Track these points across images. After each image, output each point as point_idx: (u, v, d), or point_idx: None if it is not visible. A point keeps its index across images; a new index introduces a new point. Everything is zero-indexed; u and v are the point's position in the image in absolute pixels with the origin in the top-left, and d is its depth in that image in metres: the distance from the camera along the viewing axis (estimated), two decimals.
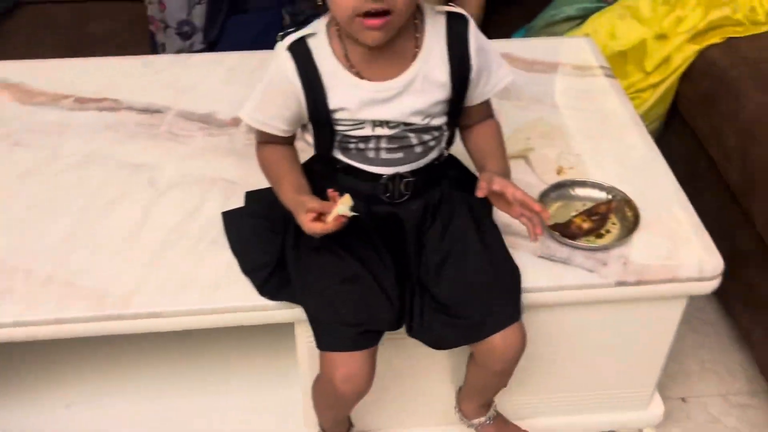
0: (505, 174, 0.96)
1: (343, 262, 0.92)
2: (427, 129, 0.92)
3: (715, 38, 1.58)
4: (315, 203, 0.86)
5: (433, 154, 0.95)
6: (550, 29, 1.82)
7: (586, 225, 1.05)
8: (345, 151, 0.92)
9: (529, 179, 1.17)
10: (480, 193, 0.88)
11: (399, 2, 0.79)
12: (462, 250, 0.96)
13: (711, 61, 1.57)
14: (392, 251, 0.96)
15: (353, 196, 0.87)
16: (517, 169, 1.19)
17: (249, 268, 1.00)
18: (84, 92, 1.40)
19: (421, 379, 1.16)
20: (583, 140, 1.26)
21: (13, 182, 1.19)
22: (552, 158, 1.20)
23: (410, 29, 0.88)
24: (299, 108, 0.89)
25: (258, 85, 0.91)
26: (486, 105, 0.99)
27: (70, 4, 2.15)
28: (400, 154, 0.92)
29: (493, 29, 2.17)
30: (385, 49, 0.85)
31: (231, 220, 1.06)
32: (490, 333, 0.93)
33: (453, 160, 1.03)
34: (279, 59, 0.87)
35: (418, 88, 0.88)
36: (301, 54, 0.86)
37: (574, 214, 1.08)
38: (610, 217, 1.08)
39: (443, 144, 0.96)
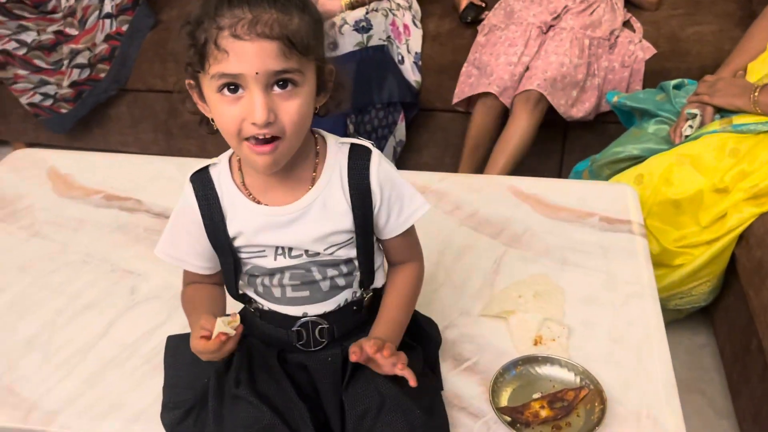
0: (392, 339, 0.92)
1: (258, 412, 0.88)
2: (333, 263, 0.89)
3: None
4: (207, 322, 0.85)
5: (344, 295, 0.92)
6: (613, 166, 1.74)
7: (544, 413, 0.95)
8: (253, 288, 0.92)
9: (503, 346, 1.08)
10: (352, 358, 0.85)
11: (287, 127, 0.78)
12: (383, 404, 0.88)
13: None
14: (313, 400, 0.92)
15: (268, 344, 0.87)
16: (494, 331, 1.12)
17: (166, 403, 0.97)
18: (115, 189, 1.48)
19: None
20: (581, 307, 1.16)
21: (11, 274, 1.26)
22: (533, 325, 1.11)
23: (310, 156, 0.88)
24: (207, 239, 0.89)
25: (168, 221, 0.92)
26: (407, 241, 0.94)
27: (165, 93, 2.33)
28: (305, 292, 0.90)
29: (568, 153, 2.18)
30: (283, 175, 0.85)
31: (175, 345, 1.04)
32: None
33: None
34: (184, 191, 0.89)
35: (316, 215, 0.87)
36: (203, 183, 0.88)
37: (535, 396, 0.98)
38: (577, 408, 0.97)
39: (356, 285, 0.92)
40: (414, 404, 0.88)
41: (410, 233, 0.95)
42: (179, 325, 1.11)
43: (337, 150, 0.88)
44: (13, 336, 1.13)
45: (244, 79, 0.76)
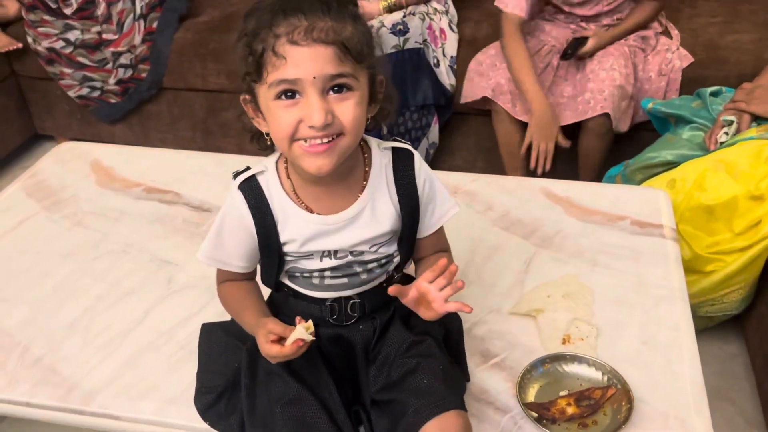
0: None
1: (287, 385, 0.91)
2: (375, 259, 0.92)
3: None
4: (276, 326, 0.87)
5: (378, 279, 0.95)
6: (646, 171, 1.74)
7: (570, 410, 0.96)
8: (291, 278, 0.94)
9: (531, 344, 1.09)
10: (391, 291, 0.85)
11: (346, 125, 0.80)
12: (409, 370, 0.91)
13: None
14: (342, 373, 0.95)
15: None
16: (522, 329, 1.13)
17: (200, 387, 1.00)
18: (155, 182, 1.52)
19: None
20: (610, 308, 1.16)
21: (55, 261, 1.30)
22: (562, 324, 1.11)
23: (359, 163, 0.90)
24: (254, 243, 0.91)
25: (213, 225, 0.93)
26: (437, 238, 0.97)
27: (204, 92, 2.39)
28: (344, 280, 0.93)
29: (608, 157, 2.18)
30: (334, 183, 0.88)
31: (209, 332, 1.07)
32: (425, 418, 0.85)
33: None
34: (232, 198, 0.90)
35: (366, 221, 0.90)
36: (253, 192, 0.89)
37: (562, 393, 0.99)
38: (603, 407, 0.97)
39: (390, 269, 0.95)
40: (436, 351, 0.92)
41: (440, 233, 0.98)
42: (214, 313, 1.14)
43: (381, 155, 0.91)
44: (56, 319, 1.17)
45: (301, 84, 0.78)
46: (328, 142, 0.80)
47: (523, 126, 1.92)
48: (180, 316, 1.16)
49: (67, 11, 2.32)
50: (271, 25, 0.78)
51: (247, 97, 0.86)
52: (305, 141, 0.80)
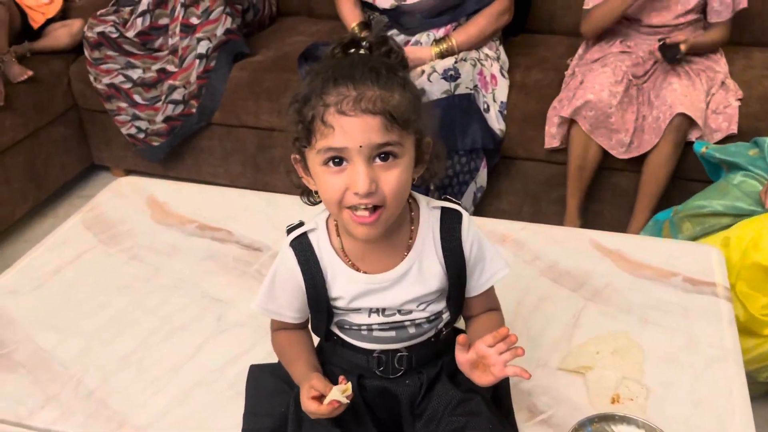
0: None
1: None
2: (423, 316, 0.93)
3: None
4: (319, 383, 0.89)
5: (427, 334, 0.96)
6: (695, 219, 1.71)
7: None
8: (340, 328, 0.96)
9: (579, 401, 1.08)
10: (460, 340, 0.87)
11: (388, 196, 0.82)
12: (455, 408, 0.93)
13: None
14: (387, 426, 0.96)
15: (348, 370, 0.91)
16: (570, 385, 1.12)
17: (245, 430, 1.01)
18: (207, 220, 1.56)
19: None
20: (661, 367, 1.14)
21: (111, 292, 1.34)
22: (612, 383, 1.10)
23: (406, 222, 0.92)
24: (304, 298, 0.94)
25: (266, 278, 0.97)
26: (486, 297, 0.99)
27: (256, 129, 2.45)
28: (392, 333, 0.94)
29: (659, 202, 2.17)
30: (381, 242, 0.89)
31: (256, 374, 1.09)
32: None
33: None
34: (283, 254, 0.94)
35: (413, 279, 0.91)
36: (303, 249, 0.92)
37: None
38: None
39: (440, 325, 0.96)
40: (484, 410, 0.92)
41: (490, 292, 1.00)
42: (263, 353, 1.16)
43: (429, 215, 0.93)
44: (109, 351, 1.20)
45: (348, 153, 0.81)
46: (373, 211, 0.82)
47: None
48: (230, 354, 1.18)
49: (129, 34, 2.41)
50: (322, 93, 0.81)
51: (297, 157, 0.89)
52: (353, 209, 0.82)
